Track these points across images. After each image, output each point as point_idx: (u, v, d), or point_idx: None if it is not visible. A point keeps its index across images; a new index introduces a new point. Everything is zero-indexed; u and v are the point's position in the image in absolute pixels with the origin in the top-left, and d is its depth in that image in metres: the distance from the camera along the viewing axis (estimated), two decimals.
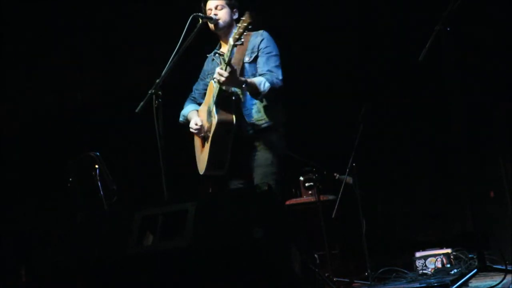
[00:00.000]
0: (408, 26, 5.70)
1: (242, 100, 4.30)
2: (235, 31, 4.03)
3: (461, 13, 4.03)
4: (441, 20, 3.99)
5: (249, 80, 4.16)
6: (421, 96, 5.91)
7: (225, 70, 4.04)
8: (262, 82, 4.16)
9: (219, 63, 4.45)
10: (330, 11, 6.00)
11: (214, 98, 4.20)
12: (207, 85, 4.55)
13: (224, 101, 4.21)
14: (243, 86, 4.15)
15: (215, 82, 4.14)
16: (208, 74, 4.54)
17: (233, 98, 4.26)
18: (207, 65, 4.60)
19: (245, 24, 3.96)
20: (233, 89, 4.25)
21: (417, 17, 5.53)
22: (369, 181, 5.72)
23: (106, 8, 6.16)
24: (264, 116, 4.30)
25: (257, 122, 4.29)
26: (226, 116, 4.18)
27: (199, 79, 4.67)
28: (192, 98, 4.67)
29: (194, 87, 4.69)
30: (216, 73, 4.07)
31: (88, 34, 6.26)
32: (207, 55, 4.62)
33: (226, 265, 3.22)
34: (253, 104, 4.30)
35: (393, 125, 6.05)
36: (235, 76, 4.09)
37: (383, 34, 5.97)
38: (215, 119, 4.17)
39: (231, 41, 4.05)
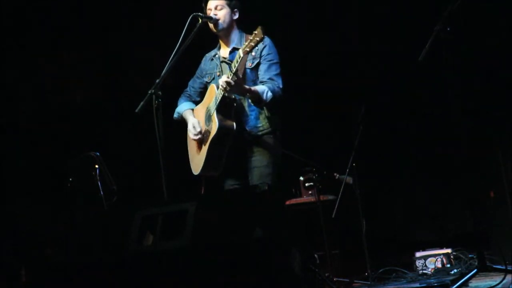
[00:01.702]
0: (408, 26, 5.69)
1: (244, 106, 4.34)
2: (245, 43, 4.02)
3: (461, 13, 4.03)
4: (441, 20, 3.99)
5: (252, 88, 4.21)
6: (421, 96, 5.91)
7: (232, 79, 4.06)
8: (264, 91, 4.22)
9: (218, 65, 4.46)
10: (329, 11, 6.00)
11: (216, 104, 4.23)
12: (204, 84, 4.59)
13: (225, 107, 4.26)
14: (247, 94, 4.20)
15: (221, 90, 4.14)
16: (206, 74, 4.54)
17: (235, 104, 4.30)
18: (205, 64, 4.60)
19: (258, 39, 3.96)
20: (235, 95, 4.28)
21: (417, 17, 5.52)
22: (369, 181, 5.72)
23: (106, 8, 6.16)
24: (263, 123, 4.36)
25: (255, 129, 4.35)
26: (226, 122, 4.23)
27: (195, 77, 4.67)
28: (187, 95, 4.68)
29: (190, 83, 4.69)
30: (223, 81, 4.08)
31: (89, 34, 6.25)
32: (206, 55, 4.62)
33: (225, 265, 3.22)
34: (252, 111, 4.35)
35: (393, 125, 6.04)
36: (240, 85, 4.15)
37: (383, 34, 5.96)
38: (215, 125, 4.21)
39: (240, 52, 4.04)
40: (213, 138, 4.25)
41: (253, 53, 4.29)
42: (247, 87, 4.20)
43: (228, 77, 4.07)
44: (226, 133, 4.24)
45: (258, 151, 4.33)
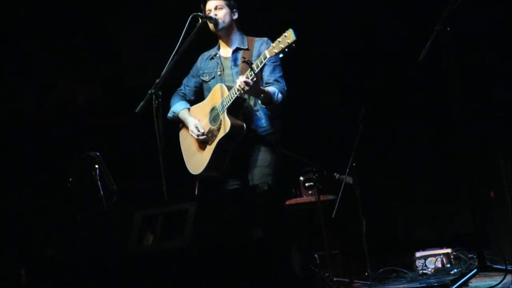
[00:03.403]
0: (408, 26, 5.69)
1: (251, 105, 4.36)
2: (273, 44, 4.01)
3: (461, 13, 4.03)
4: (441, 20, 3.99)
5: (266, 89, 4.23)
6: (421, 96, 5.91)
7: (251, 79, 4.07)
8: (275, 92, 4.26)
9: (219, 64, 4.45)
10: (330, 11, 6.00)
11: (226, 104, 4.23)
12: (199, 83, 4.58)
13: (236, 107, 4.26)
14: (261, 95, 4.20)
15: (238, 90, 4.13)
16: (204, 73, 4.54)
17: (244, 105, 4.31)
18: (202, 63, 4.59)
19: (289, 42, 3.94)
20: (245, 96, 4.29)
21: (417, 17, 5.52)
22: (369, 181, 5.72)
23: (106, 8, 6.16)
24: (266, 123, 4.38)
25: (260, 129, 4.37)
26: (237, 122, 4.25)
27: (190, 75, 4.66)
28: (182, 94, 4.67)
29: (185, 82, 4.68)
30: (241, 81, 4.07)
31: (89, 34, 6.26)
32: (203, 53, 4.61)
33: (225, 265, 3.22)
34: (257, 111, 4.35)
35: (393, 125, 6.04)
36: (258, 86, 4.16)
37: (383, 34, 5.96)
38: (228, 125, 4.21)
39: (267, 53, 4.03)
40: (222, 138, 4.26)
41: (255, 53, 4.31)
42: (262, 88, 4.22)
43: (247, 77, 4.08)
44: (236, 133, 4.25)
45: (261, 150, 4.34)
